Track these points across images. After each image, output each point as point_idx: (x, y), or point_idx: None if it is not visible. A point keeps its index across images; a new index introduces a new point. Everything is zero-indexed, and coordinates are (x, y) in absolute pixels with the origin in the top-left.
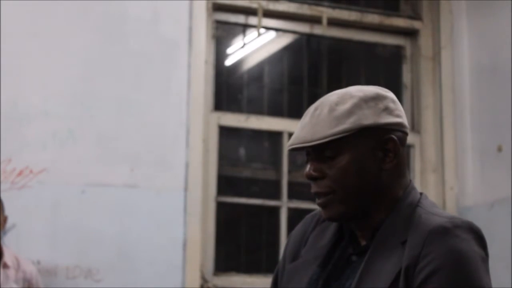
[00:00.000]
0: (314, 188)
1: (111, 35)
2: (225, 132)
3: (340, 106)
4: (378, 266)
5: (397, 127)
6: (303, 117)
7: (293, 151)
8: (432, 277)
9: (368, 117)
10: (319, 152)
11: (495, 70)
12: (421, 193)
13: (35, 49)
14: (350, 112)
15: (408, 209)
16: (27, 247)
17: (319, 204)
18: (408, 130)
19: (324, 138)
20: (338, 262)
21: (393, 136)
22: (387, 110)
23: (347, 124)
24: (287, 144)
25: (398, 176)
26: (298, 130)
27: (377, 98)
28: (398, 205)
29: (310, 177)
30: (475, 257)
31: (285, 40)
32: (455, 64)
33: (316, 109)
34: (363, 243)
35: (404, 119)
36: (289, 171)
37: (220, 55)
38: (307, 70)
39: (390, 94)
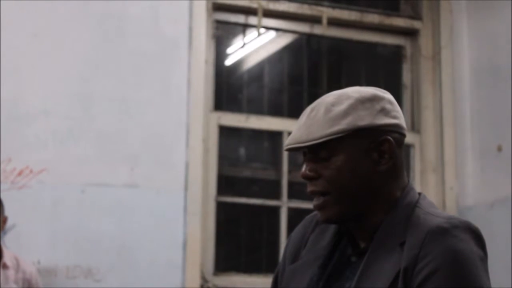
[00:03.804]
0: (309, 188)
1: (111, 35)
2: (225, 132)
3: (336, 107)
4: (377, 267)
5: (394, 129)
6: (300, 117)
7: (289, 151)
8: (431, 277)
9: (363, 118)
10: (314, 152)
11: (495, 70)
12: (419, 193)
13: (35, 49)
14: (345, 113)
15: (406, 210)
16: (27, 247)
17: (315, 207)
18: (405, 132)
19: (319, 139)
20: (337, 263)
21: (389, 138)
22: (384, 112)
23: (342, 125)
24: (284, 144)
25: (394, 177)
26: (294, 131)
27: (374, 99)
28: (396, 206)
29: (305, 177)
30: (474, 257)
31: (285, 40)
32: (455, 64)
33: (312, 110)
34: (362, 244)
35: (401, 121)
36: (289, 171)
37: (220, 55)
38: (307, 70)
39: (387, 95)
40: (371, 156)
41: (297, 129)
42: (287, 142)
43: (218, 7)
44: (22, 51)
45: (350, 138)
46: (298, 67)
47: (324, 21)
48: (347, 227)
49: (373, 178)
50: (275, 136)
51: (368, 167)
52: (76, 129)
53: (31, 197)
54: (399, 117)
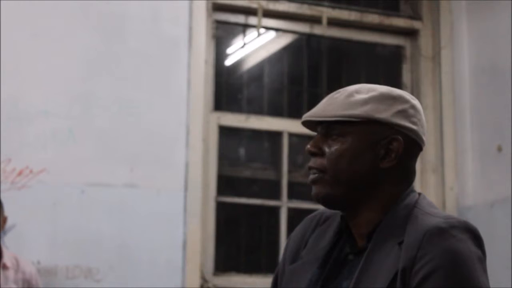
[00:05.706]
0: (310, 163)
1: (111, 35)
2: (225, 132)
3: (358, 95)
4: (375, 266)
5: (409, 133)
6: (324, 98)
7: (304, 126)
8: (429, 278)
9: (381, 112)
10: (326, 131)
11: (495, 70)
12: (419, 194)
13: (35, 49)
14: (365, 102)
15: (405, 210)
16: (27, 247)
17: (310, 180)
18: (422, 142)
19: (332, 117)
20: (335, 262)
21: (400, 138)
22: (403, 113)
23: (359, 111)
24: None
25: (396, 178)
26: (314, 108)
27: (398, 99)
28: (396, 206)
29: (308, 152)
30: (472, 257)
31: (285, 40)
32: (455, 64)
33: (336, 93)
34: (361, 243)
35: (419, 129)
36: (289, 171)
37: (220, 55)
38: (307, 70)
39: (414, 101)
40: (377, 150)
41: (317, 107)
42: (304, 115)
43: (218, 7)
44: (22, 51)
45: (363, 127)
46: (298, 67)
47: (324, 21)
48: (346, 224)
49: (372, 172)
50: (275, 136)
51: (370, 160)
52: (76, 129)
53: (31, 197)
54: (419, 125)
